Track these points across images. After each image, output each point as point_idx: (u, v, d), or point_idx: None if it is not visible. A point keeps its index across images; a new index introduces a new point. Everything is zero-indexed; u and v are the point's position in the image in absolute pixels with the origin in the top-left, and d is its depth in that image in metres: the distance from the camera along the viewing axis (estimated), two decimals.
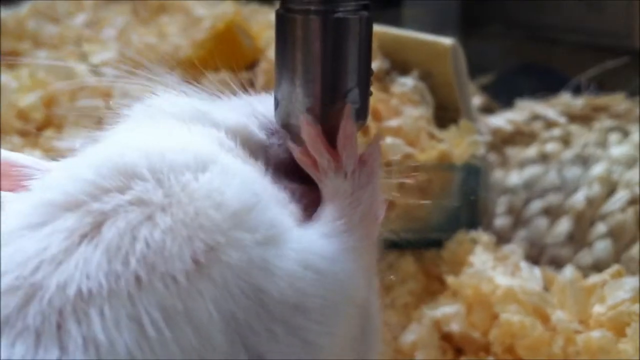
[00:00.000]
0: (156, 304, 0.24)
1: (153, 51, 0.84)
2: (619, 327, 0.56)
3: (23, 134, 0.71)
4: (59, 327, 0.24)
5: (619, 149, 0.87)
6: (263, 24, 0.83)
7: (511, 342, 0.58)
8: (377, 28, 0.86)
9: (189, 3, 0.99)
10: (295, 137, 0.31)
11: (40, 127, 0.72)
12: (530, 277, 0.63)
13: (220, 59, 0.77)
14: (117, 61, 0.84)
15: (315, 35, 0.30)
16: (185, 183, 0.26)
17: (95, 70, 0.82)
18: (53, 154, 0.69)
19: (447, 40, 0.72)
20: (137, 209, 0.26)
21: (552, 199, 0.86)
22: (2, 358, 0.23)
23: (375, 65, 0.77)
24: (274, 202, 0.28)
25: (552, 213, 0.85)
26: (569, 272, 0.63)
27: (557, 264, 0.79)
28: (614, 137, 0.89)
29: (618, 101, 0.95)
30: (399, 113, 0.71)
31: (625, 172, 0.84)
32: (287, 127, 0.31)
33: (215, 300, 0.25)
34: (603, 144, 0.89)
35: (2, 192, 0.29)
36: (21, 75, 0.78)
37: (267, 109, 0.32)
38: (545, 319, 0.59)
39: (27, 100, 0.73)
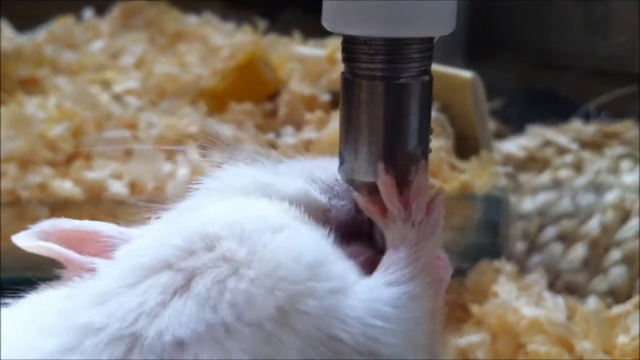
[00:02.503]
0: (244, 349, 0.26)
1: (174, 81, 0.86)
2: None
3: (53, 164, 0.72)
4: None
5: (631, 176, 0.88)
6: (283, 55, 0.85)
7: None
8: None
9: (206, 31, 1.01)
10: (360, 191, 0.32)
11: (70, 158, 0.73)
12: (555, 307, 0.65)
13: (242, 90, 0.79)
14: (140, 91, 0.86)
15: (379, 99, 0.31)
16: (265, 242, 0.29)
17: (119, 99, 0.84)
18: (82, 184, 0.71)
19: (467, 74, 0.74)
20: (224, 264, 0.28)
21: (566, 225, 0.87)
22: None
23: None
24: (339, 257, 0.30)
25: (567, 239, 0.86)
26: (592, 302, 0.65)
27: (572, 290, 0.81)
28: (625, 164, 0.91)
29: (628, 128, 0.97)
30: None
31: (637, 199, 0.86)
32: (352, 182, 0.33)
33: (297, 347, 0.27)
34: (615, 170, 0.91)
35: (92, 258, 0.31)
36: (47, 105, 0.79)
37: (325, 173, 0.34)
38: (570, 348, 0.61)
39: (55, 130, 0.74)
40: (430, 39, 0.31)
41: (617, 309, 0.63)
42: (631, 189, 0.87)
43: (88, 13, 1.09)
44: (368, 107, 0.32)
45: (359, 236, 0.33)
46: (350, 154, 0.32)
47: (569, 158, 0.94)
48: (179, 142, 0.76)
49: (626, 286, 0.79)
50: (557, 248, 0.86)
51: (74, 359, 0.27)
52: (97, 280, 0.29)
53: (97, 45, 1.02)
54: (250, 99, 0.79)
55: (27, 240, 0.32)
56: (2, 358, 0.27)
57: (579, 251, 0.84)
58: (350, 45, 0.32)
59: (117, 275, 0.29)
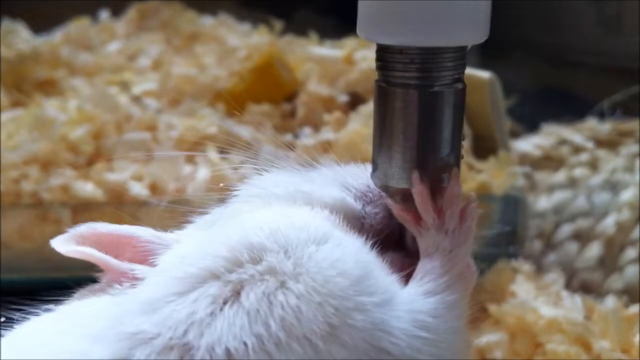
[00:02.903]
0: None
1: (192, 82, 0.86)
2: None
3: (74, 166, 0.73)
4: None
5: None
6: (300, 56, 0.85)
7: None
8: None
9: (222, 32, 1.01)
10: (393, 197, 0.33)
11: (91, 160, 0.74)
12: (572, 307, 0.65)
13: (260, 92, 0.80)
14: (159, 92, 0.86)
15: (414, 107, 0.32)
16: (310, 254, 0.29)
17: (138, 101, 0.85)
18: (104, 186, 0.71)
19: (485, 74, 0.75)
20: (271, 277, 0.28)
21: (582, 223, 0.88)
22: None
23: None
24: (380, 268, 0.31)
25: (582, 238, 0.87)
26: (610, 301, 0.65)
27: (588, 288, 0.81)
28: None
29: None
30: None
31: None
32: (385, 189, 0.33)
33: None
34: (631, 169, 0.91)
35: (131, 264, 0.31)
36: (68, 108, 0.80)
37: (358, 181, 0.35)
38: (588, 348, 0.61)
39: (77, 133, 0.75)
40: (464, 48, 0.32)
41: (635, 308, 0.64)
42: None
43: (104, 14, 1.10)
44: (402, 114, 0.32)
45: (391, 242, 0.33)
46: (384, 161, 0.33)
47: (584, 157, 0.94)
48: (199, 144, 0.76)
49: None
50: (572, 247, 0.86)
51: None
52: (145, 288, 0.30)
53: (113, 46, 1.03)
54: (268, 100, 0.80)
55: (65, 244, 0.32)
56: None
57: (594, 250, 0.84)
58: (385, 54, 0.32)
59: (164, 283, 0.29)
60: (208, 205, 0.36)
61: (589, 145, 0.96)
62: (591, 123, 0.99)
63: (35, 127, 0.75)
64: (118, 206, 0.71)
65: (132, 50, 1.01)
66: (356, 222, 0.33)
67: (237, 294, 0.28)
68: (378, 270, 0.30)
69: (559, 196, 0.92)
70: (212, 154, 0.74)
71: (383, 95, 0.33)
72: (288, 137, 0.77)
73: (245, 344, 0.27)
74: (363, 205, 0.34)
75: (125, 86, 0.89)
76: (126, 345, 0.28)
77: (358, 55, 0.81)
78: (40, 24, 1.08)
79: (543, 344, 0.61)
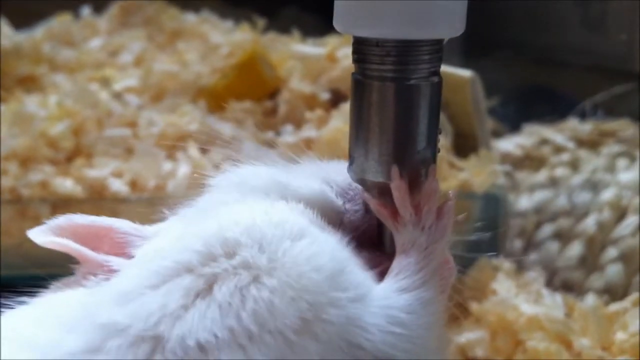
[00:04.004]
0: (266, 356, 0.27)
1: (174, 79, 0.86)
2: None
3: (54, 162, 0.72)
4: None
5: (627, 175, 0.89)
6: (283, 54, 0.85)
7: None
8: None
9: (204, 29, 1.01)
10: (370, 191, 0.33)
11: (71, 156, 0.74)
12: (553, 305, 0.65)
13: (242, 89, 0.79)
14: (140, 89, 0.86)
15: (390, 100, 0.32)
16: (285, 250, 0.29)
17: (119, 98, 0.84)
18: (83, 183, 0.71)
19: (466, 72, 0.75)
20: (244, 271, 0.28)
21: (563, 223, 0.88)
22: None
23: None
24: (355, 264, 0.31)
25: (563, 237, 0.87)
26: (590, 299, 0.65)
27: (569, 287, 0.81)
28: (621, 162, 0.92)
29: (624, 126, 0.97)
30: None
31: (634, 197, 0.87)
32: (362, 182, 0.33)
33: (318, 354, 0.27)
34: (611, 169, 0.92)
35: (108, 256, 0.31)
36: (48, 103, 0.79)
37: (340, 177, 0.34)
38: (568, 345, 0.62)
39: (57, 129, 0.74)
40: (440, 41, 0.32)
41: (615, 306, 0.64)
42: (627, 187, 0.88)
43: (86, 11, 1.09)
44: (379, 107, 0.32)
45: (369, 239, 0.33)
46: (360, 154, 0.33)
47: (565, 156, 0.95)
48: (180, 140, 0.76)
49: (622, 283, 0.80)
50: (553, 246, 0.87)
51: (99, 359, 0.27)
52: (119, 280, 0.30)
53: (96, 43, 1.03)
54: (250, 97, 0.80)
55: (42, 235, 0.32)
56: (22, 352, 0.27)
57: (575, 249, 0.84)
58: (362, 47, 0.32)
59: (138, 275, 0.29)
60: (188, 199, 0.35)
61: (570, 145, 0.96)
62: (573, 123, 0.99)
63: (15, 122, 0.74)
64: (98, 202, 0.70)
65: (114, 46, 1.00)
66: (335, 218, 0.33)
67: (209, 287, 0.28)
68: (353, 267, 0.30)
69: (540, 196, 0.92)
70: (193, 150, 0.74)
71: (359, 88, 0.32)
72: (270, 134, 0.77)
73: (216, 336, 0.27)
74: (343, 202, 0.34)
75: (106, 82, 0.88)
76: (99, 335, 0.28)
77: (341, 53, 0.81)
78: (22, 20, 1.07)
79: (524, 341, 0.61)
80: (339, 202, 0.34)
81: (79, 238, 0.32)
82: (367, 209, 0.33)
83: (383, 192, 0.33)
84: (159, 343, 0.27)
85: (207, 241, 0.29)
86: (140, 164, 0.72)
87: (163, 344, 0.27)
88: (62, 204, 0.70)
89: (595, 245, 0.84)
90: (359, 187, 0.34)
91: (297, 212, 0.32)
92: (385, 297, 0.30)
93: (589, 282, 0.81)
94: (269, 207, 0.32)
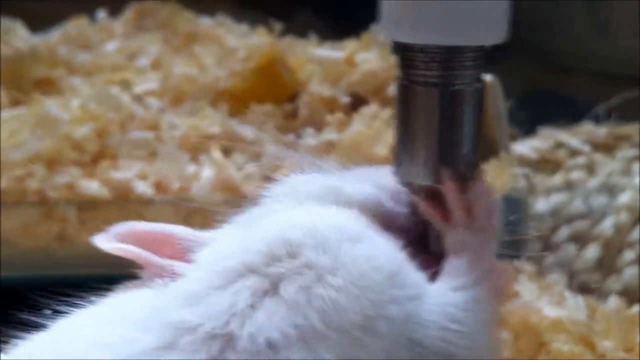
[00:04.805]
0: (333, 352, 0.28)
1: (193, 82, 0.87)
2: None
3: (80, 164, 0.73)
4: None
5: None
6: (301, 57, 0.86)
7: None
8: None
9: (220, 33, 1.02)
10: (417, 194, 0.34)
11: (95, 158, 0.74)
12: (575, 307, 0.66)
13: (262, 92, 0.80)
14: (160, 92, 0.87)
15: (435, 105, 0.32)
16: (346, 251, 0.30)
17: (139, 100, 0.85)
18: (109, 185, 0.72)
19: (486, 77, 0.75)
20: (309, 271, 0.29)
21: (580, 225, 0.89)
22: None
23: None
24: (409, 265, 0.31)
25: (580, 240, 0.88)
26: (613, 302, 0.66)
27: (586, 289, 0.82)
28: (637, 166, 0.92)
29: (638, 130, 0.98)
30: None
31: None
32: (408, 185, 0.34)
33: (381, 350, 0.28)
34: (627, 172, 0.92)
35: (171, 261, 0.32)
36: (70, 106, 0.80)
37: (388, 180, 0.35)
38: (592, 347, 0.62)
39: (81, 131, 0.75)
40: (483, 47, 0.33)
41: (637, 309, 0.65)
42: None
43: (101, 14, 1.10)
44: (424, 112, 0.33)
45: (416, 240, 0.34)
46: (406, 158, 0.34)
47: (581, 160, 0.95)
48: (202, 143, 0.77)
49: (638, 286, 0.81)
50: (571, 248, 0.87)
51: (174, 356, 0.28)
52: (186, 282, 0.30)
53: (112, 46, 1.03)
54: (270, 101, 0.81)
55: (107, 242, 0.33)
56: (95, 351, 0.28)
57: (593, 251, 0.85)
58: (407, 53, 0.33)
59: (205, 277, 0.30)
60: (242, 206, 0.36)
61: (586, 148, 0.97)
62: (587, 127, 1.00)
63: (39, 125, 0.75)
64: (123, 204, 0.71)
65: (131, 50, 1.01)
66: (386, 220, 0.34)
67: (275, 286, 0.29)
68: (408, 267, 0.31)
69: (557, 199, 0.92)
70: (216, 153, 0.74)
71: (405, 93, 0.33)
72: (291, 137, 0.78)
73: (285, 333, 0.28)
74: (393, 205, 0.34)
75: (125, 85, 0.89)
76: (171, 333, 0.28)
77: (359, 57, 0.82)
78: (36, 23, 1.08)
79: (547, 343, 0.62)
80: (389, 205, 0.34)
81: (140, 244, 0.33)
82: (413, 211, 0.34)
83: (430, 195, 0.33)
84: (230, 341, 0.28)
85: (269, 243, 0.30)
86: (165, 166, 0.73)
87: (234, 342, 0.28)
88: (88, 206, 0.71)
89: (613, 248, 0.85)
90: (406, 190, 0.34)
91: (353, 216, 0.33)
92: (441, 295, 0.31)
93: (606, 285, 0.82)
94: (326, 211, 0.32)
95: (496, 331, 0.33)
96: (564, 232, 0.89)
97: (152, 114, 0.79)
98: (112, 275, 0.73)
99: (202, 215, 0.72)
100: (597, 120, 1.01)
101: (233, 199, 0.71)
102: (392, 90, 0.78)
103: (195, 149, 0.75)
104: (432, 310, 0.30)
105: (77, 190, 0.71)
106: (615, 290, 0.81)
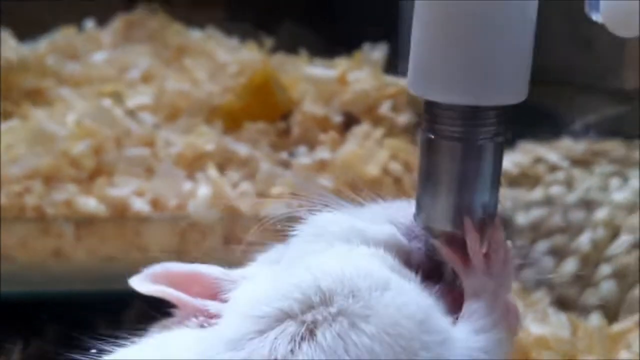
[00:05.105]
0: None
1: (186, 98, 0.88)
2: None
3: (77, 181, 0.74)
4: None
5: (620, 194, 0.93)
6: (293, 76, 0.88)
7: None
8: (405, 82, 0.92)
9: (210, 46, 1.03)
10: (436, 237, 0.36)
11: (92, 175, 0.76)
12: (559, 324, 0.69)
13: (256, 110, 0.82)
14: (153, 107, 0.88)
15: (458, 158, 0.34)
16: (377, 299, 0.32)
17: (132, 115, 0.86)
18: (106, 201, 0.73)
19: None
20: (343, 319, 0.31)
21: (558, 240, 0.92)
22: None
23: (405, 118, 0.82)
24: (436, 309, 0.33)
25: (558, 254, 0.91)
26: (595, 319, 0.69)
27: (564, 303, 0.85)
28: (614, 181, 0.96)
29: (616, 147, 1.01)
30: None
31: (627, 216, 0.91)
32: (428, 229, 0.36)
33: None
34: (605, 188, 0.96)
35: (204, 301, 0.34)
36: (66, 121, 0.81)
37: (403, 217, 0.37)
38: None
39: (78, 148, 0.76)
40: (504, 106, 0.35)
41: (619, 326, 0.68)
42: (621, 206, 0.92)
43: (89, 24, 1.10)
44: (447, 164, 0.35)
45: (430, 272, 0.36)
46: (427, 205, 0.36)
47: (560, 175, 0.99)
48: (198, 161, 0.78)
49: (616, 300, 0.84)
50: (548, 262, 0.90)
51: None
52: (225, 326, 0.32)
53: (100, 56, 1.04)
54: (264, 119, 0.82)
55: (143, 284, 0.34)
56: None
57: (570, 265, 0.88)
58: (433, 108, 0.35)
59: (243, 322, 0.31)
60: (269, 244, 0.38)
61: (565, 164, 1.00)
62: (566, 142, 1.03)
63: (36, 140, 0.76)
64: (120, 221, 0.72)
65: (121, 61, 1.02)
66: (404, 256, 0.36)
67: (312, 333, 0.31)
68: (436, 312, 0.33)
69: (536, 213, 0.95)
70: (212, 171, 0.76)
71: (429, 145, 0.35)
72: (284, 155, 0.80)
73: None
74: (409, 240, 0.36)
75: (117, 98, 0.90)
76: None
77: (352, 77, 0.84)
78: (23, 31, 1.08)
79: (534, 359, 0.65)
80: (406, 241, 0.36)
81: (173, 284, 0.34)
82: (432, 251, 0.36)
83: (449, 240, 0.35)
84: None
85: (304, 291, 0.32)
86: (161, 183, 0.74)
87: None
88: (85, 223, 0.72)
89: (590, 263, 0.88)
90: (421, 227, 0.36)
91: (379, 258, 0.35)
92: (466, 339, 0.33)
93: (583, 299, 0.85)
94: (355, 257, 0.34)
95: None
96: (542, 246, 0.92)
97: (147, 130, 0.81)
98: (107, 291, 0.75)
99: (198, 233, 0.75)
100: (576, 135, 1.04)
101: (229, 216, 0.73)
102: (384, 109, 0.81)
103: (192, 166, 0.77)
104: (459, 354, 0.32)
105: (74, 206, 0.72)
106: (592, 304, 0.84)
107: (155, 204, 0.74)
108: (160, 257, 0.73)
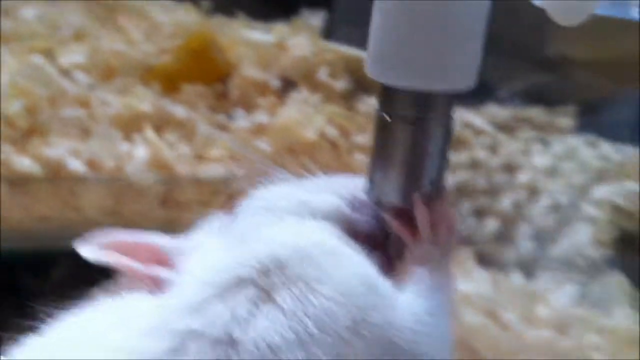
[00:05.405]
0: (326, 352, 0.32)
1: (122, 58, 0.88)
2: (561, 327, 0.67)
3: (11, 141, 0.74)
4: None
5: (541, 159, 0.98)
6: (231, 39, 0.88)
7: (470, 340, 0.67)
8: (343, 48, 0.94)
9: (144, 5, 1.02)
10: (386, 211, 0.38)
11: (26, 135, 0.75)
12: (482, 281, 0.73)
13: (194, 72, 0.83)
14: (87, 66, 0.87)
15: (410, 137, 0.37)
16: (330, 264, 0.34)
17: (66, 74, 0.85)
18: (41, 161, 0.73)
19: None
20: (300, 282, 0.33)
21: (482, 201, 0.96)
22: None
23: (342, 85, 0.84)
24: (379, 274, 0.36)
25: (481, 214, 0.95)
26: (516, 277, 0.73)
27: (485, 261, 0.90)
28: (536, 147, 1.00)
29: (539, 114, 1.06)
30: (365, 130, 0.79)
31: (547, 180, 0.96)
32: (379, 203, 0.38)
33: (367, 353, 0.32)
34: (527, 153, 1.00)
35: (156, 269, 0.35)
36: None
37: (346, 190, 0.39)
38: (496, 319, 0.69)
39: (12, 108, 0.75)
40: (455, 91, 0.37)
41: (538, 284, 0.72)
42: (541, 170, 0.97)
43: None
44: (400, 144, 0.37)
45: (376, 245, 0.38)
46: (379, 180, 0.38)
47: (485, 139, 1.03)
48: (135, 122, 0.78)
49: (533, 258, 0.89)
50: (471, 222, 0.95)
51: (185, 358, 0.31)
52: (184, 292, 0.33)
53: (30, 12, 1.02)
54: (202, 81, 0.83)
55: (92, 252, 0.35)
56: (100, 355, 0.31)
57: (492, 225, 0.93)
58: (388, 90, 0.37)
59: (203, 288, 0.33)
60: (213, 214, 0.39)
61: (490, 129, 1.04)
62: (492, 108, 1.07)
63: None
64: (56, 182, 0.72)
65: (51, 18, 1.00)
66: (348, 228, 0.38)
67: (271, 296, 0.32)
68: (381, 278, 0.35)
69: (461, 176, 0.99)
70: (150, 132, 0.76)
71: (382, 124, 0.37)
72: (222, 118, 0.81)
73: (285, 338, 0.31)
74: (353, 212, 0.38)
75: (49, 56, 0.88)
76: (180, 339, 0.31)
77: (290, 42, 0.85)
78: None
79: (459, 316, 0.69)
80: (351, 213, 0.38)
81: (121, 251, 0.36)
82: (379, 223, 0.38)
83: (399, 213, 0.38)
84: (234, 346, 0.31)
85: (261, 259, 0.34)
86: (98, 144, 0.74)
87: (238, 346, 0.31)
88: (20, 182, 0.72)
89: (510, 223, 0.92)
90: (363, 198, 0.38)
91: (327, 230, 0.37)
92: (411, 303, 0.35)
93: (503, 257, 0.90)
94: (306, 229, 0.36)
95: (452, 331, 0.38)
96: (466, 206, 0.96)
97: (82, 89, 0.80)
98: (41, 250, 0.75)
99: (135, 194, 0.75)
100: (502, 102, 1.08)
101: (166, 178, 0.74)
102: (321, 75, 0.82)
103: (128, 128, 0.77)
104: (405, 316, 0.34)
105: (8, 166, 0.72)
106: (511, 261, 0.89)
107: (92, 164, 0.74)
108: (96, 219, 0.74)
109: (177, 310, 0.32)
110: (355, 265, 0.35)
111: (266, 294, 0.32)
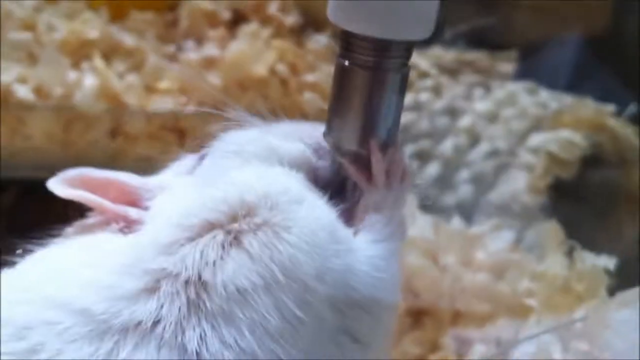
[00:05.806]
0: (291, 297, 0.33)
1: None
2: (497, 271, 0.70)
3: None
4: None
5: (482, 104, 1.00)
6: None
7: (411, 281, 0.70)
8: None
9: None
10: (344, 156, 0.39)
11: None
12: (424, 225, 0.75)
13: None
14: None
15: (368, 84, 0.38)
16: (295, 211, 0.35)
17: None
18: None
19: None
20: (267, 229, 0.34)
21: (424, 144, 0.98)
22: None
23: (292, 19, 0.84)
24: (339, 220, 0.37)
25: (423, 157, 0.97)
26: (456, 222, 0.76)
27: (425, 205, 0.92)
28: (478, 92, 1.02)
29: (482, 57, 1.08)
30: (315, 69, 0.79)
31: (487, 125, 0.98)
32: (337, 148, 0.39)
33: (328, 295, 0.34)
34: (469, 97, 1.02)
35: (125, 207, 0.35)
36: None
37: (310, 136, 0.40)
38: (436, 261, 0.72)
39: None
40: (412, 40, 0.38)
41: (477, 229, 0.75)
42: (482, 115, 0.99)
43: None
44: (358, 90, 0.38)
45: (333, 190, 0.39)
46: (338, 126, 0.39)
47: (429, 82, 1.04)
48: (83, 49, 0.77)
49: (472, 202, 0.92)
50: (413, 165, 0.96)
51: (156, 298, 0.32)
52: (155, 231, 0.34)
53: None
54: (150, 8, 0.81)
55: (61, 188, 0.35)
56: (84, 293, 0.31)
57: (433, 169, 0.95)
58: (348, 37, 0.37)
59: (174, 230, 0.34)
60: (180, 154, 0.40)
61: (434, 71, 1.05)
62: (437, 51, 1.08)
63: None
64: (3, 108, 0.71)
65: None
66: (311, 174, 0.39)
67: (239, 241, 0.33)
68: (340, 224, 0.37)
69: (404, 118, 1.01)
70: (98, 60, 0.75)
71: (342, 71, 0.38)
72: (171, 48, 0.80)
73: (252, 282, 0.32)
74: (317, 159, 0.39)
75: None
76: (152, 279, 0.32)
77: None
78: None
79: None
80: (314, 159, 0.39)
81: (88, 188, 0.36)
82: (338, 169, 0.39)
83: (356, 158, 0.39)
84: (205, 287, 0.32)
85: (230, 204, 0.34)
86: (45, 70, 0.73)
87: (208, 289, 0.32)
88: None
89: (451, 167, 0.95)
90: (327, 146, 0.39)
91: (294, 177, 0.38)
92: (367, 248, 0.37)
93: (442, 199, 0.92)
94: (273, 174, 0.37)
95: (401, 275, 0.40)
96: (408, 149, 0.98)
97: (27, 12, 0.78)
98: None
99: (84, 124, 0.74)
100: (446, 44, 1.09)
101: (115, 108, 0.74)
102: (272, 9, 0.82)
103: (76, 54, 0.75)
104: (362, 261, 0.36)
105: None
106: (450, 204, 0.91)
107: (39, 92, 0.72)
108: (45, 147, 0.73)
109: (150, 250, 0.33)
110: (319, 213, 0.36)
111: (235, 239, 0.33)
